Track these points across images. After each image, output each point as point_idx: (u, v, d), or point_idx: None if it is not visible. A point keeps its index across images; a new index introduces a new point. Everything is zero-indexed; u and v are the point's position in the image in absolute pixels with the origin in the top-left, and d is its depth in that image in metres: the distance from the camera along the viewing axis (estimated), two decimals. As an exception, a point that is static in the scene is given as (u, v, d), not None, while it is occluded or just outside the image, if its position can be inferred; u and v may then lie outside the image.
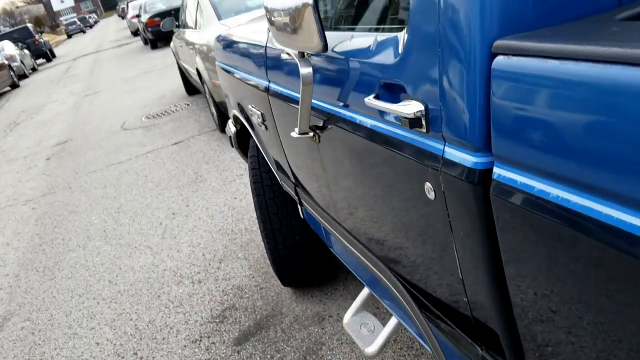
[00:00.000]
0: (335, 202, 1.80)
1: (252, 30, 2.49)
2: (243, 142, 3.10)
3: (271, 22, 1.48)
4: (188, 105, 8.27)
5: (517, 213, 0.84)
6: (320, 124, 1.64)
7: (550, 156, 0.76)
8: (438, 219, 1.10)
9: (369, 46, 1.26)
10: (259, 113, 2.32)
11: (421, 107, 1.05)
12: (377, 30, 1.31)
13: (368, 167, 1.39)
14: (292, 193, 2.36)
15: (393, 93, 1.18)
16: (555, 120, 0.74)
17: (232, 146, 3.22)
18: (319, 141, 1.68)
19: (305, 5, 1.28)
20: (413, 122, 1.06)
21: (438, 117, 1.01)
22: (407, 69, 1.09)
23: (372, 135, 1.29)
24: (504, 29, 0.87)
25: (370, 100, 1.21)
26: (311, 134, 1.66)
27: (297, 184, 2.23)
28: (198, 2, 6.27)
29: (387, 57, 1.17)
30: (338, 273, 3.00)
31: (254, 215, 4.02)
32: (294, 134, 1.66)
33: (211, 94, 5.84)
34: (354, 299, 2.84)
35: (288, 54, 1.60)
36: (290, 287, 2.96)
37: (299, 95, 1.54)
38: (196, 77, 6.58)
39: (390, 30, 1.22)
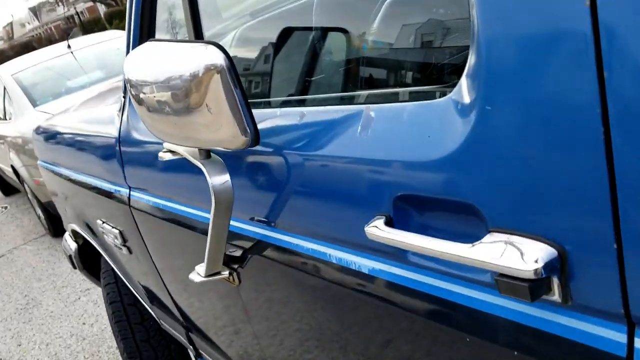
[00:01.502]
0: None
1: (89, 117, 1.81)
2: (90, 260, 2.30)
3: (139, 101, 0.85)
4: (6, 208, 7.20)
5: None
6: (239, 255, 1.01)
7: None
8: None
9: (352, 128, 0.68)
10: (116, 232, 1.62)
11: (552, 252, 0.48)
12: (385, 97, 0.74)
13: (366, 338, 0.79)
14: (182, 339, 1.65)
15: (428, 216, 0.61)
16: None
17: (74, 267, 2.42)
18: (240, 282, 1.04)
19: (209, 69, 0.69)
20: (535, 287, 0.49)
21: (601, 274, 0.46)
22: (485, 168, 0.52)
23: (378, 287, 0.70)
24: None
25: (378, 230, 0.63)
26: (226, 273, 1.02)
27: (191, 328, 1.54)
28: (4, 87, 5.29)
29: (411, 149, 0.60)
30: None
31: (114, 343, 3.15)
32: (197, 276, 1.01)
33: (34, 194, 4.90)
34: None
35: (172, 151, 0.96)
36: None
37: (198, 213, 0.92)
38: (13, 176, 5.56)
39: (416, 93, 0.66)
